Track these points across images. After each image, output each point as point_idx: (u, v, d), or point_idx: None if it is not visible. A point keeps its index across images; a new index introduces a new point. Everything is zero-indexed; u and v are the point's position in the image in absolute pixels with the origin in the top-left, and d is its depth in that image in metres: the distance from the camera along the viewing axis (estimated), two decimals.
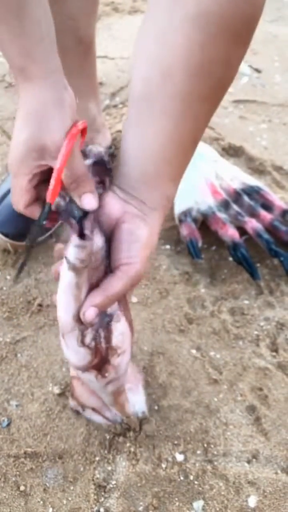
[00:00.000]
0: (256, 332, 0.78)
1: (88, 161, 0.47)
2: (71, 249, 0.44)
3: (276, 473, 0.62)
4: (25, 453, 0.64)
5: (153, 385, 0.71)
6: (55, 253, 0.51)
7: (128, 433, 0.65)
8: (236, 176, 0.95)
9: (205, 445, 0.65)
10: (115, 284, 0.47)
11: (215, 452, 0.64)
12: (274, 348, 0.76)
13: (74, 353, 0.50)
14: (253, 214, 0.89)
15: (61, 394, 0.70)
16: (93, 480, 0.62)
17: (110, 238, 0.48)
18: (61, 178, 0.46)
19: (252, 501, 0.60)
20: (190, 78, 0.45)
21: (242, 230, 0.87)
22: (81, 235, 0.44)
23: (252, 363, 0.74)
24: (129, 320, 0.53)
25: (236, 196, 0.92)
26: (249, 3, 0.43)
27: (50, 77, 0.46)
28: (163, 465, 0.63)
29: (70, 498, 0.60)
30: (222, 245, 0.90)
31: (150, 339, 0.77)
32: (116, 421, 0.66)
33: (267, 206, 0.91)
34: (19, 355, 0.75)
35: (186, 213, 0.90)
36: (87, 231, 0.45)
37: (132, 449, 0.64)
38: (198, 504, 0.60)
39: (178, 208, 0.91)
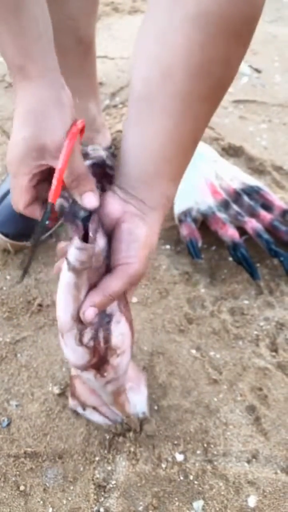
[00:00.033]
0: (256, 332, 0.78)
1: (88, 162, 0.48)
2: (72, 251, 0.44)
3: (276, 473, 0.62)
4: (25, 453, 0.64)
5: (153, 385, 0.71)
6: (58, 251, 0.51)
7: (128, 433, 0.65)
8: (236, 176, 0.95)
9: (205, 445, 0.65)
10: (113, 283, 0.47)
11: (215, 452, 0.64)
12: (273, 348, 0.76)
13: (73, 352, 0.51)
14: (253, 214, 0.89)
15: (61, 394, 0.70)
16: (93, 480, 0.62)
17: (110, 238, 0.48)
18: (63, 178, 0.46)
19: (252, 501, 0.60)
20: (190, 78, 0.45)
21: (242, 230, 0.87)
22: (85, 237, 0.45)
23: (252, 363, 0.74)
24: (130, 321, 0.53)
25: (236, 196, 0.92)
26: (248, 3, 0.43)
27: (48, 75, 0.46)
28: (163, 465, 0.63)
29: (70, 498, 0.60)
30: (222, 245, 0.90)
31: (150, 339, 0.77)
32: (117, 421, 0.66)
33: (267, 206, 0.91)
34: (19, 355, 0.75)
35: (186, 213, 0.90)
36: (91, 234, 0.45)
37: (132, 449, 0.64)
38: (198, 504, 0.60)
39: (178, 208, 0.91)
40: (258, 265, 0.88)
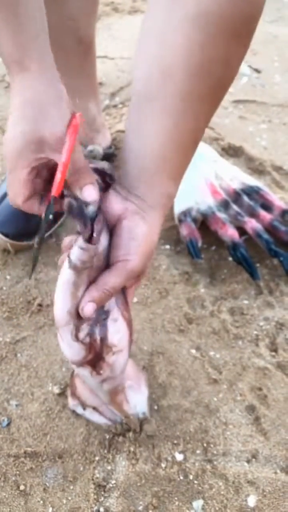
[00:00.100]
0: (255, 332, 0.78)
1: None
2: (75, 250, 0.45)
3: (276, 472, 0.62)
4: (25, 452, 0.64)
5: (152, 385, 0.71)
6: (64, 245, 0.51)
7: (127, 433, 0.65)
8: (236, 176, 0.95)
9: (205, 444, 0.65)
10: (112, 279, 0.48)
11: (215, 452, 0.64)
12: (273, 348, 0.76)
13: (69, 347, 0.51)
14: (253, 214, 0.89)
15: (61, 394, 0.70)
16: (92, 479, 0.62)
17: (110, 235, 0.49)
18: (66, 172, 0.45)
19: (252, 501, 0.60)
20: (190, 78, 0.45)
21: (241, 230, 0.87)
22: (90, 236, 0.45)
23: (252, 363, 0.74)
24: (128, 320, 0.53)
25: (236, 196, 0.92)
26: (248, 3, 0.43)
27: (46, 69, 0.46)
28: (163, 465, 0.63)
29: (70, 498, 0.60)
30: (221, 245, 0.90)
31: (150, 339, 0.77)
32: (116, 421, 0.66)
33: (267, 206, 0.91)
34: (19, 355, 0.75)
35: (186, 213, 0.90)
36: (95, 234, 0.45)
37: (131, 449, 0.64)
38: (198, 504, 0.60)
39: (178, 208, 0.91)
40: (258, 265, 0.88)
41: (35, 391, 0.71)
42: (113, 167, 0.49)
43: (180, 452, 0.64)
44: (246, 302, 0.82)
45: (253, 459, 0.64)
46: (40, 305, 0.81)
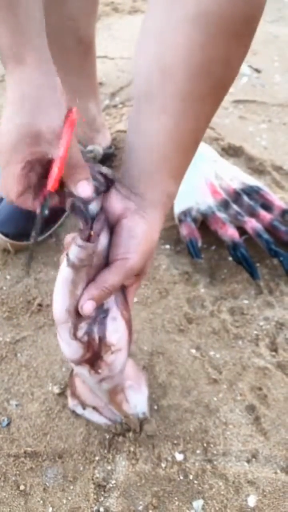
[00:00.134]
0: (255, 332, 0.78)
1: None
2: (73, 248, 0.45)
3: (276, 472, 0.62)
4: (25, 452, 0.64)
5: (152, 385, 0.71)
6: (65, 243, 0.51)
7: (127, 433, 0.65)
8: (236, 176, 0.95)
9: (205, 444, 0.65)
10: (111, 277, 0.48)
11: (215, 452, 0.64)
12: (273, 348, 0.76)
13: (67, 345, 0.51)
14: (253, 214, 0.89)
15: (61, 394, 0.70)
16: (92, 479, 0.62)
17: (110, 233, 0.49)
18: (64, 166, 0.45)
19: (252, 501, 0.60)
20: (191, 78, 0.45)
21: (241, 230, 0.87)
22: (89, 235, 0.45)
23: (252, 362, 0.74)
24: (127, 320, 0.53)
25: (236, 196, 0.92)
26: (248, 3, 0.43)
27: (43, 63, 0.45)
28: (163, 465, 0.63)
29: (70, 498, 0.60)
30: (221, 245, 0.90)
31: (150, 338, 0.77)
32: (116, 420, 0.66)
33: (267, 206, 0.91)
34: (19, 354, 0.75)
35: (186, 213, 0.90)
36: (92, 232, 0.45)
37: (131, 449, 0.64)
38: (198, 504, 0.60)
39: (178, 208, 0.91)
40: (258, 265, 0.88)
41: (35, 391, 0.71)
42: (113, 171, 0.49)
43: (180, 452, 0.64)
44: (246, 302, 0.82)
45: (253, 459, 0.64)
46: (40, 305, 0.81)
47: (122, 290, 0.52)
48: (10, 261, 0.89)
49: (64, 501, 0.60)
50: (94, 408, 0.66)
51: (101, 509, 0.59)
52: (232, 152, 1.11)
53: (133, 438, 0.65)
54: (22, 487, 0.61)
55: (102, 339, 0.51)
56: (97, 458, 0.64)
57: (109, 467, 0.63)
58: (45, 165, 0.47)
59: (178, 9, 0.43)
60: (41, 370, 0.73)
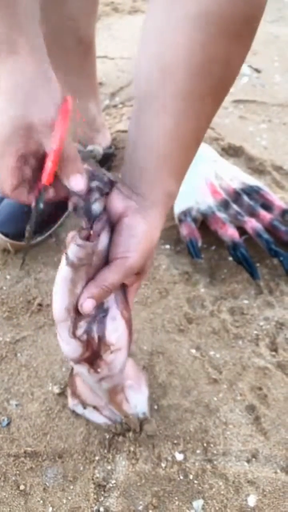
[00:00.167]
0: (255, 332, 0.78)
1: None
2: (72, 247, 0.45)
3: (276, 472, 0.62)
4: (25, 452, 0.64)
5: (153, 385, 0.71)
6: (68, 241, 0.50)
7: (127, 433, 0.65)
8: (236, 176, 0.95)
9: (205, 444, 0.65)
10: (111, 275, 0.48)
11: (215, 452, 0.64)
12: (273, 348, 0.76)
13: (66, 344, 0.51)
14: (253, 214, 0.89)
15: (61, 394, 0.70)
16: (92, 479, 0.62)
17: (111, 234, 0.49)
18: (58, 159, 0.44)
19: (252, 500, 0.60)
20: (191, 77, 0.45)
21: (241, 230, 0.87)
22: (88, 234, 0.45)
23: (252, 362, 0.74)
24: (127, 320, 0.53)
25: (236, 196, 0.92)
26: (249, 3, 0.43)
27: (36, 52, 0.44)
28: (163, 465, 0.63)
29: (70, 497, 0.60)
30: (221, 245, 0.90)
31: (150, 338, 0.77)
32: (116, 420, 0.66)
33: (267, 206, 0.91)
34: (19, 354, 0.75)
35: (186, 213, 0.90)
36: (91, 232, 0.45)
37: (131, 449, 0.64)
38: (198, 503, 0.60)
39: (178, 208, 0.92)
40: (258, 265, 0.88)
41: (35, 391, 0.71)
42: (114, 173, 0.49)
43: (180, 452, 0.64)
44: (246, 302, 0.82)
45: (253, 459, 0.64)
46: (40, 304, 0.81)
47: (123, 289, 0.52)
48: (10, 261, 0.89)
49: (64, 501, 0.60)
50: (95, 407, 0.66)
51: (101, 509, 0.59)
52: (232, 152, 1.11)
53: (133, 438, 0.65)
54: (22, 487, 0.61)
55: (101, 338, 0.51)
56: (97, 458, 0.64)
57: (109, 467, 0.63)
58: (40, 158, 0.46)
59: (179, 9, 0.43)
60: (41, 370, 0.73)
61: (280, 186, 1.03)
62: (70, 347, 0.52)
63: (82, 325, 0.50)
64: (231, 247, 0.85)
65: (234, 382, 0.72)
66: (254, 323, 0.79)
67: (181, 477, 0.62)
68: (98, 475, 0.62)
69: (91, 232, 0.46)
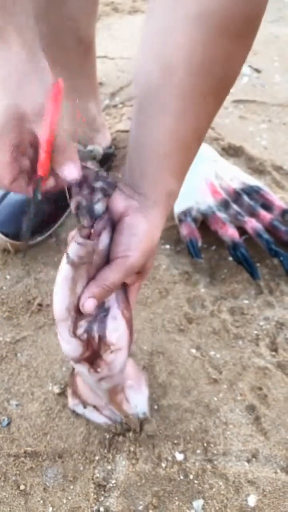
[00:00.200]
0: (255, 332, 0.78)
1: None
2: (73, 245, 0.45)
3: (276, 472, 0.62)
4: (25, 452, 0.64)
5: (153, 385, 0.71)
6: (69, 239, 0.50)
7: (127, 433, 0.65)
8: (236, 176, 0.95)
9: (205, 444, 0.65)
10: (111, 274, 0.48)
11: (215, 452, 0.64)
12: (273, 348, 0.76)
13: (66, 343, 0.51)
14: (253, 214, 0.89)
15: (61, 394, 0.70)
16: (93, 479, 0.62)
17: (112, 233, 0.49)
18: (51, 148, 0.42)
19: (252, 500, 0.60)
20: (191, 77, 0.45)
21: (242, 230, 0.87)
22: (89, 233, 0.45)
23: (252, 362, 0.74)
24: (128, 319, 0.53)
25: (236, 196, 0.92)
26: (250, 2, 0.43)
27: (29, 44, 0.43)
28: (163, 465, 0.63)
29: (70, 497, 0.60)
30: (222, 245, 0.90)
31: (150, 338, 0.77)
32: (116, 420, 0.66)
33: (267, 206, 0.91)
34: (19, 354, 0.75)
35: (186, 213, 0.90)
36: (92, 231, 0.45)
37: (131, 449, 0.64)
38: (198, 503, 0.60)
39: (178, 208, 0.92)
40: (258, 264, 0.88)
41: (35, 390, 0.71)
42: (115, 175, 0.49)
43: (180, 452, 0.64)
44: (246, 301, 0.82)
45: (253, 459, 0.64)
46: (40, 304, 0.81)
47: (124, 289, 0.52)
48: (10, 261, 0.89)
49: (64, 500, 0.60)
50: (95, 407, 0.66)
51: (101, 508, 0.59)
52: (232, 152, 1.11)
53: (133, 438, 0.65)
54: (22, 487, 0.61)
55: (101, 337, 0.51)
56: (97, 457, 0.64)
57: (109, 467, 0.63)
58: (37, 148, 0.45)
59: (179, 9, 0.43)
60: (41, 370, 0.73)
61: (280, 186, 1.03)
62: (70, 347, 0.52)
63: (83, 325, 0.50)
64: (231, 247, 0.85)
65: (234, 382, 0.72)
66: (254, 323, 0.79)
67: (181, 477, 0.62)
68: (98, 475, 0.62)
69: (92, 231, 0.46)
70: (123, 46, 1.50)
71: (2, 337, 0.77)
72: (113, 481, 0.62)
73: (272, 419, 0.67)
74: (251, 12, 0.44)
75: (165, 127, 0.47)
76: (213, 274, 0.87)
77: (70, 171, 0.44)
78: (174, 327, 0.79)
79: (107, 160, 1.04)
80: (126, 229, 0.48)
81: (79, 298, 0.48)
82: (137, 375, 0.67)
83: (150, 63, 0.46)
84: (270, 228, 0.87)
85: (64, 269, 0.47)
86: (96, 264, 0.48)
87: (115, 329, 0.51)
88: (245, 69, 1.40)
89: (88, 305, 0.47)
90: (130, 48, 1.48)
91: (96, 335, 0.51)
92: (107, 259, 0.49)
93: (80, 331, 0.50)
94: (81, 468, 0.63)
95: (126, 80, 1.35)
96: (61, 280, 0.47)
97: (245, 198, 0.91)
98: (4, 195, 0.89)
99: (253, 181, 0.95)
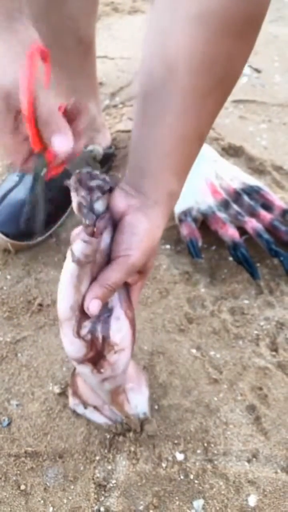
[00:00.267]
0: (256, 332, 0.78)
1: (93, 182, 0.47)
2: (78, 243, 0.45)
3: (276, 472, 0.62)
4: (25, 452, 0.64)
5: (153, 385, 0.71)
6: (72, 237, 0.50)
7: (128, 433, 0.65)
8: (236, 176, 0.95)
9: (205, 444, 0.65)
10: (113, 274, 0.48)
11: (215, 452, 0.64)
12: (274, 348, 0.76)
13: (70, 343, 0.51)
14: (253, 214, 0.89)
15: (62, 394, 0.70)
16: (93, 479, 0.62)
17: (113, 232, 0.49)
18: (34, 122, 0.40)
19: (252, 500, 0.60)
20: (192, 76, 0.45)
21: (242, 230, 0.87)
22: (92, 231, 0.45)
23: (252, 362, 0.74)
24: (131, 319, 0.53)
25: (236, 196, 0.92)
26: (251, 2, 0.43)
27: (5, 22, 0.41)
28: (163, 464, 0.63)
29: (70, 497, 0.60)
30: (222, 245, 0.90)
31: (150, 338, 0.77)
32: (117, 420, 0.66)
33: (267, 206, 0.91)
34: (19, 354, 0.75)
35: (186, 213, 0.90)
36: (95, 229, 0.45)
37: (132, 449, 0.64)
38: (198, 503, 0.60)
39: (178, 208, 0.92)
40: (258, 264, 0.88)
41: (35, 390, 0.71)
42: (114, 175, 0.49)
43: (180, 452, 0.64)
44: (246, 302, 0.82)
45: (254, 459, 0.64)
46: (40, 305, 0.81)
47: (126, 288, 0.52)
48: (10, 261, 0.89)
49: (65, 500, 0.60)
50: (95, 407, 0.66)
51: (102, 508, 0.59)
52: (232, 152, 1.11)
53: (133, 438, 0.65)
54: (22, 487, 0.61)
55: (105, 338, 0.51)
56: (97, 457, 0.64)
57: (109, 467, 0.63)
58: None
59: (180, 9, 0.43)
60: (41, 370, 0.73)
61: (280, 186, 1.03)
62: (74, 347, 0.51)
63: (87, 325, 0.50)
64: (231, 247, 0.85)
65: (234, 382, 0.72)
66: (255, 323, 0.79)
67: (182, 477, 0.62)
68: (98, 475, 0.62)
69: (94, 229, 0.46)
70: (123, 46, 1.50)
71: (2, 337, 0.77)
72: (114, 481, 0.62)
73: (272, 419, 0.68)
74: (252, 11, 0.44)
75: (166, 126, 0.47)
76: (213, 274, 0.87)
77: (60, 143, 0.42)
78: (174, 327, 0.79)
79: (107, 160, 1.04)
80: (127, 228, 0.48)
81: (83, 298, 0.48)
82: (138, 375, 0.67)
83: (151, 63, 0.47)
84: (270, 228, 0.88)
85: (69, 267, 0.47)
86: (98, 263, 0.48)
87: (119, 330, 0.51)
88: (245, 69, 1.39)
89: (93, 306, 0.47)
90: (130, 48, 1.48)
91: (100, 336, 0.51)
92: (109, 258, 0.49)
93: (84, 331, 0.50)
94: (82, 468, 0.63)
95: (126, 80, 1.35)
96: (66, 278, 0.47)
97: (245, 198, 0.91)
98: (4, 195, 0.89)
99: (253, 181, 0.95)
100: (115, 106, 1.26)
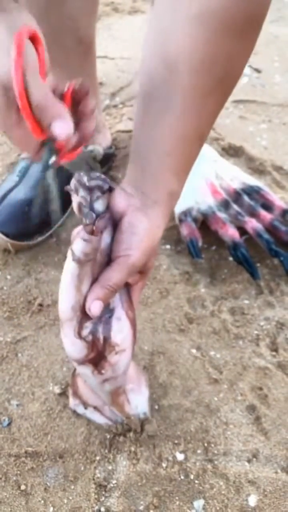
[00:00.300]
0: (256, 332, 0.78)
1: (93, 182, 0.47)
2: (78, 242, 0.45)
3: (276, 472, 0.63)
4: (25, 452, 0.64)
5: (153, 385, 0.71)
6: (73, 237, 0.50)
7: (128, 433, 0.65)
8: (236, 176, 0.95)
9: (206, 444, 0.65)
10: (114, 274, 0.47)
11: (216, 452, 0.64)
12: (274, 348, 0.76)
13: (71, 344, 0.51)
14: (253, 214, 0.89)
15: (62, 394, 0.70)
16: (93, 479, 0.62)
17: (114, 232, 0.49)
18: (30, 111, 0.39)
19: (252, 500, 0.60)
20: (192, 76, 0.45)
21: (242, 230, 0.87)
22: (93, 231, 0.45)
23: (252, 362, 0.74)
24: (132, 320, 0.53)
25: (236, 196, 0.92)
26: (252, 2, 0.43)
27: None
28: (164, 465, 0.63)
29: (70, 497, 0.61)
30: (222, 245, 0.90)
31: (151, 338, 0.77)
32: (117, 420, 0.66)
33: (267, 206, 0.91)
34: (19, 354, 0.75)
35: (186, 213, 0.90)
36: (94, 227, 0.45)
37: (132, 449, 0.64)
38: (199, 503, 0.60)
39: (179, 208, 0.92)
40: (258, 265, 0.88)
41: (36, 391, 0.71)
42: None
43: (181, 452, 0.64)
44: (246, 302, 0.82)
45: (254, 459, 0.64)
46: (40, 305, 0.81)
47: (127, 289, 0.52)
48: (10, 261, 0.89)
49: (65, 500, 0.60)
50: (95, 408, 0.66)
51: (102, 508, 0.59)
52: (232, 152, 1.11)
53: (134, 438, 0.65)
54: (23, 487, 0.61)
55: (106, 339, 0.51)
56: (98, 458, 0.64)
57: (110, 467, 0.63)
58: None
59: (181, 9, 0.43)
60: (42, 370, 0.73)
61: (280, 186, 1.03)
62: (75, 348, 0.51)
63: (88, 326, 0.50)
64: (231, 247, 0.85)
65: (234, 382, 0.72)
66: (255, 323, 0.79)
67: (182, 477, 0.62)
68: (99, 475, 0.62)
69: (94, 227, 0.46)
70: (123, 46, 1.50)
71: (2, 337, 0.77)
72: (114, 481, 0.62)
73: (272, 419, 0.68)
74: (253, 11, 0.44)
75: (166, 126, 0.47)
76: (213, 274, 0.87)
77: (60, 128, 0.41)
78: (174, 327, 0.79)
79: (107, 160, 1.04)
80: (127, 228, 0.48)
81: (85, 298, 0.48)
82: (138, 376, 0.67)
83: (152, 63, 0.47)
84: (271, 228, 0.88)
85: (69, 267, 0.47)
86: (99, 263, 0.48)
87: (120, 330, 0.51)
88: (245, 69, 1.39)
89: (95, 307, 0.47)
90: (130, 48, 1.48)
91: (101, 336, 0.50)
92: (109, 259, 0.49)
93: (85, 332, 0.50)
94: (82, 468, 0.63)
95: (126, 80, 1.35)
96: (67, 278, 0.47)
97: (246, 198, 0.91)
98: (4, 195, 0.89)
99: (253, 181, 0.95)
100: (115, 106, 1.26)
